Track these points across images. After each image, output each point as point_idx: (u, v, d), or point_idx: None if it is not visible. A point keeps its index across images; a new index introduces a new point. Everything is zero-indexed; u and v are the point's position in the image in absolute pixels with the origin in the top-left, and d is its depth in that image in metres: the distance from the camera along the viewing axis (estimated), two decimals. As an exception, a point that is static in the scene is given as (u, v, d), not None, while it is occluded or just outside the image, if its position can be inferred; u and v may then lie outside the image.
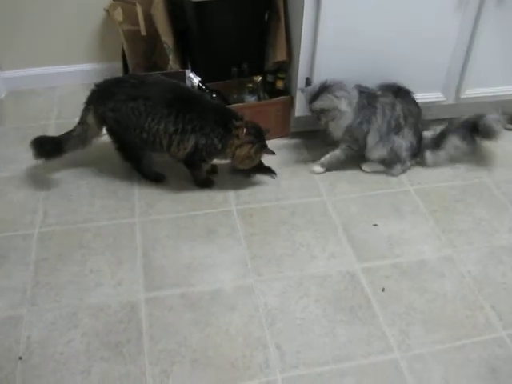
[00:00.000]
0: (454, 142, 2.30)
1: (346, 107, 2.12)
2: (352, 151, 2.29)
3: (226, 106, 2.22)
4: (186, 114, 2.01)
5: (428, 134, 2.34)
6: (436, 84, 2.40)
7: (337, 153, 2.28)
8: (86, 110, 2.14)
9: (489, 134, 2.27)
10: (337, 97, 2.10)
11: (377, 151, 2.25)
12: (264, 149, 2.14)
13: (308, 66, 2.25)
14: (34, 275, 1.83)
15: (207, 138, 2.04)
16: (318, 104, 2.12)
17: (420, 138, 2.29)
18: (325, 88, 2.12)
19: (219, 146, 2.07)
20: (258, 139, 2.11)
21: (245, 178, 2.26)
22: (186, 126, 2.01)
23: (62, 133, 2.20)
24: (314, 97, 2.13)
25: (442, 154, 2.32)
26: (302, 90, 2.21)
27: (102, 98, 2.09)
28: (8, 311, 1.72)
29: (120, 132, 2.11)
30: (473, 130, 2.29)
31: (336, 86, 2.12)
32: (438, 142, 2.32)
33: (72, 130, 2.17)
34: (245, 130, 2.07)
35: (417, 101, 2.25)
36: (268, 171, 2.27)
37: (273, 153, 2.16)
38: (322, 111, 2.13)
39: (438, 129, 2.37)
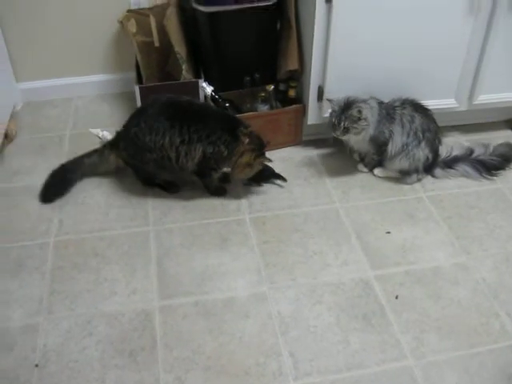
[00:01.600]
0: (467, 169, 2.34)
1: (371, 117, 2.14)
2: (373, 162, 2.33)
3: (231, 114, 2.25)
4: (190, 125, 2.03)
5: (442, 151, 2.34)
6: (449, 91, 2.39)
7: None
8: (108, 150, 2.20)
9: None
10: (367, 106, 2.13)
11: (398, 163, 2.25)
12: (262, 157, 2.15)
13: (320, 75, 2.26)
14: (50, 284, 1.85)
15: (214, 145, 2.06)
16: (357, 109, 2.10)
17: (436, 155, 2.30)
18: (352, 101, 2.13)
19: (226, 153, 2.08)
20: (259, 148, 2.12)
21: (257, 187, 2.28)
22: (192, 136, 2.03)
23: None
24: (344, 109, 2.12)
25: (451, 172, 2.34)
26: (330, 101, 2.21)
27: (117, 141, 2.17)
28: (25, 320, 1.74)
29: (137, 165, 2.17)
30: (489, 168, 2.34)
31: (358, 98, 2.14)
32: (450, 164, 2.35)
33: (87, 155, 2.23)
34: (247, 138, 2.08)
35: (434, 117, 2.26)
36: (279, 177, 2.28)
37: (270, 160, 2.18)
38: (355, 121, 2.11)
39: (454, 150, 2.39)
